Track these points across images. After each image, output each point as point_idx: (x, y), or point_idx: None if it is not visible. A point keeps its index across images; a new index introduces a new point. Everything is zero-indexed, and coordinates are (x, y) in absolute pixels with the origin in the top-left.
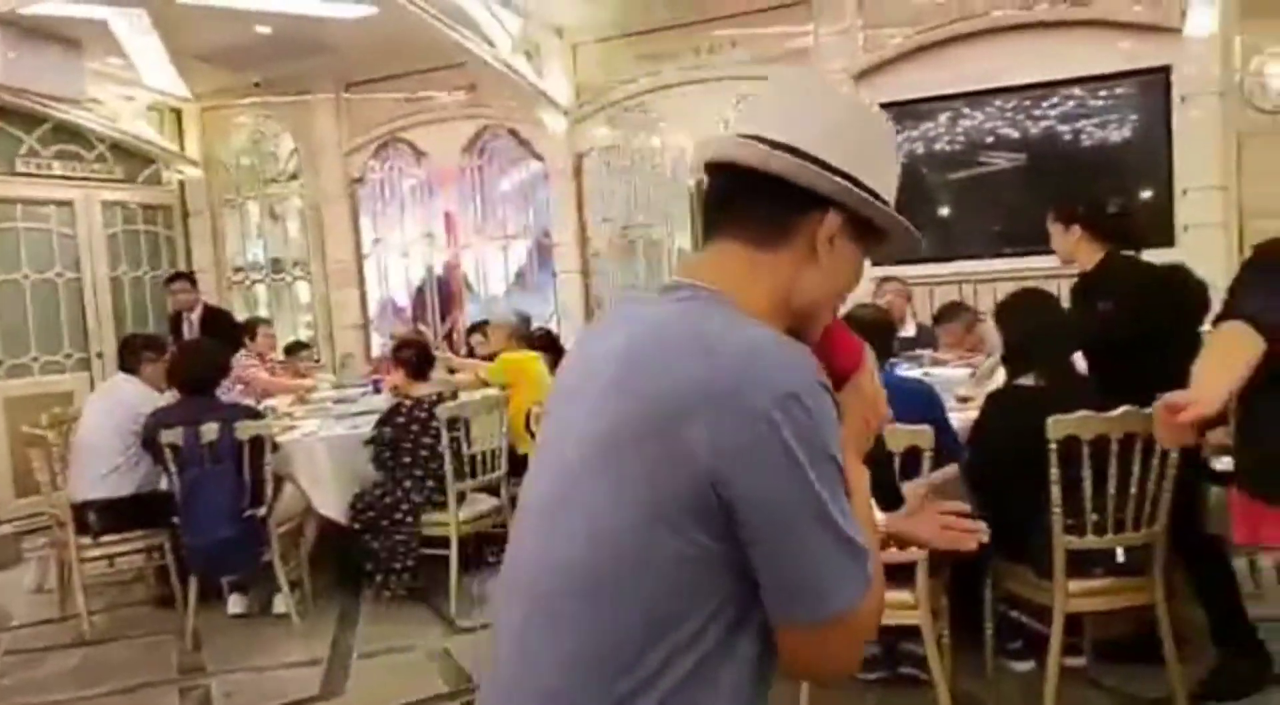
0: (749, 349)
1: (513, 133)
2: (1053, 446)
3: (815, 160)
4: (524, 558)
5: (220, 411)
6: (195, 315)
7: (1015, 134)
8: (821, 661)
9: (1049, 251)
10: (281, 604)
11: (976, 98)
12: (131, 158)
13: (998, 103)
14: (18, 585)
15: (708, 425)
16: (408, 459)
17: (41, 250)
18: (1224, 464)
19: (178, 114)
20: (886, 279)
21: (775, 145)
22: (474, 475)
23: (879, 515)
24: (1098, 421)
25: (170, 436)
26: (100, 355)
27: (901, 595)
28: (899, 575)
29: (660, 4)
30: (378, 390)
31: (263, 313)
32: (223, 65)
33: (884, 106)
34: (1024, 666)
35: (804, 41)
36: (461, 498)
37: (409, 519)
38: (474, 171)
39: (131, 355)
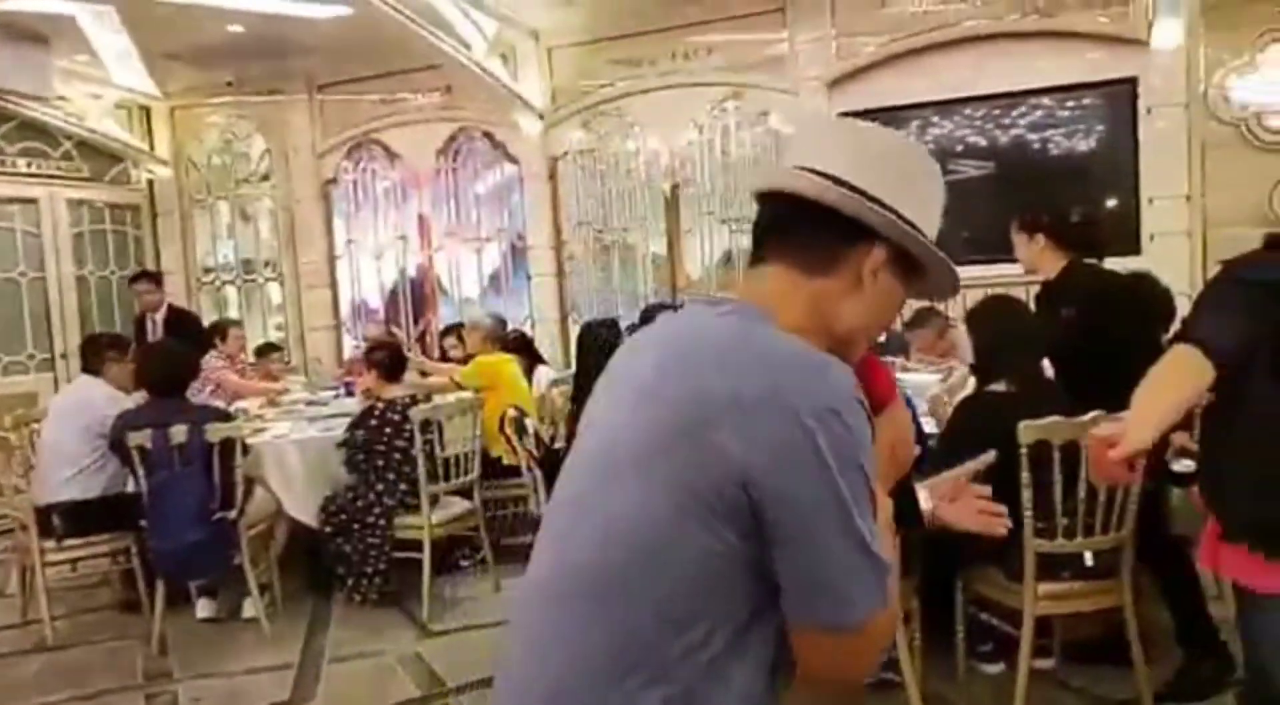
0: (790, 360)
1: (487, 135)
2: (1023, 451)
3: (866, 194)
4: (546, 555)
5: (190, 413)
6: (160, 316)
7: (984, 143)
8: (834, 668)
9: (1016, 259)
10: (251, 608)
11: (947, 106)
12: (99, 156)
13: (967, 112)
14: None
15: (744, 428)
16: (380, 462)
17: (5, 249)
18: (1183, 465)
19: (147, 112)
20: None
21: (830, 178)
22: (447, 478)
23: (924, 502)
24: (1068, 426)
25: (138, 438)
26: (65, 356)
27: None
28: None
29: (636, 9)
30: (349, 393)
31: (233, 314)
32: (194, 64)
33: (857, 114)
34: (994, 669)
35: (779, 49)
36: (434, 501)
37: (381, 522)
38: (448, 174)
39: (94, 356)
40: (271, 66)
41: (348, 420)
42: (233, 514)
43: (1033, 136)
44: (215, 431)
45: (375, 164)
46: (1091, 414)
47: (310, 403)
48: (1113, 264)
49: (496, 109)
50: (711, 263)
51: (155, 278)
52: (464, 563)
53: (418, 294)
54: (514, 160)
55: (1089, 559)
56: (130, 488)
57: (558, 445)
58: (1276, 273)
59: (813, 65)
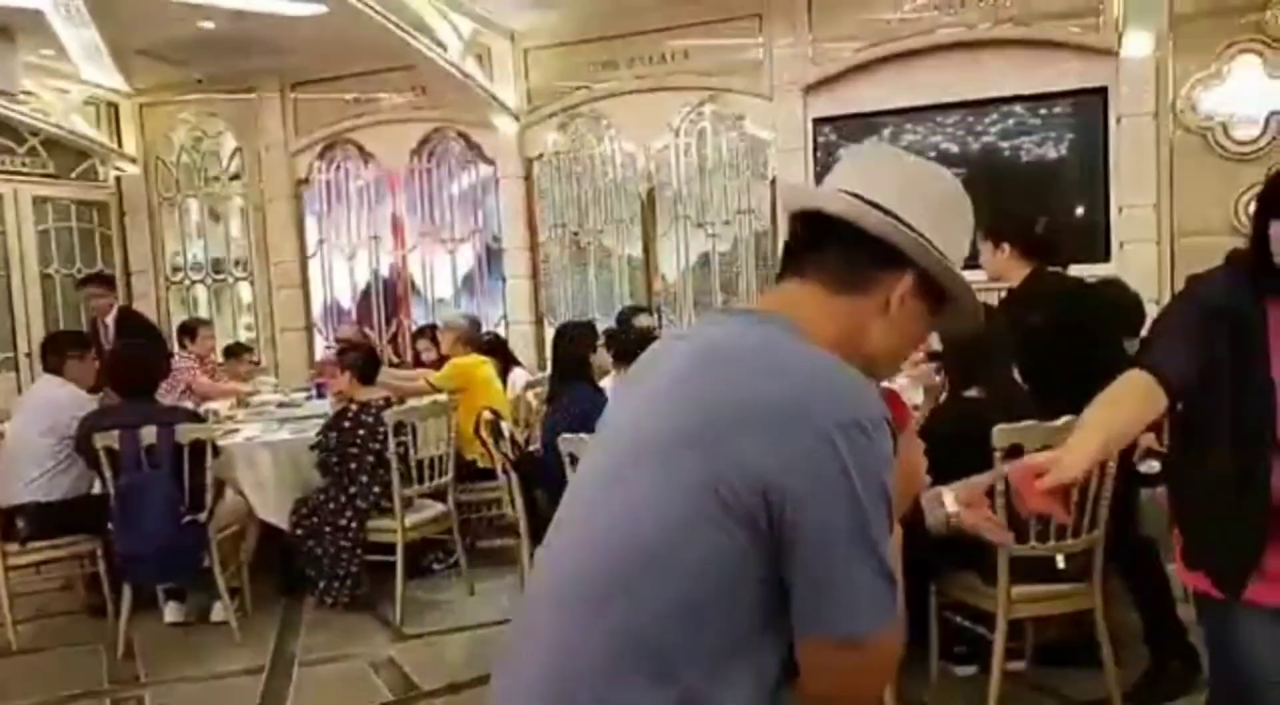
0: (820, 372)
1: (462, 136)
2: (998, 455)
3: (903, 221)
4: (557, 553)
5: (160, 414)
6: (111, 318)
7: (956, 149)
8: (839, 684)
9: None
10: (220, 612)
11: (921, 113)
12: (65, 153)
13: (940, 118)
14: None
15: (771, 436)
16: (354, 464)
17: None
18: (1149, 467)
19: (115, 109)
20: None
21: (870, 203)
22: (421, 481)
23: (950, 504)
24: (1042, 431)
25: (106, 439)
26: (29, 355)
27: None
28: None
29: (612, 12)
30: (321, 394)
31: (202, 314)
32: (164, 60)
33: (832, 120)
34: (967, 671)
35: (756, 54)
36: (408, 504)
37: (354, 525)
38: (422, 174)
39: (55, 354)
40: (243, 64)
41: (319, 422)
42: (202, 516)
43: (1004, 144)
44: (185, 433)
45: (348, 164)
46: (1063, 419)
47: (282, 404)
48: (1083, 271)
49: (472, 110)
50: (687, 266)
51: (106, 281)
52: (436, 566)
53: (390, 295)
54: (489, 161)
55: (1061, 562)
56: (96, 489)
57: (533, 447)
58: (1233, 298)
59: (789, 70)
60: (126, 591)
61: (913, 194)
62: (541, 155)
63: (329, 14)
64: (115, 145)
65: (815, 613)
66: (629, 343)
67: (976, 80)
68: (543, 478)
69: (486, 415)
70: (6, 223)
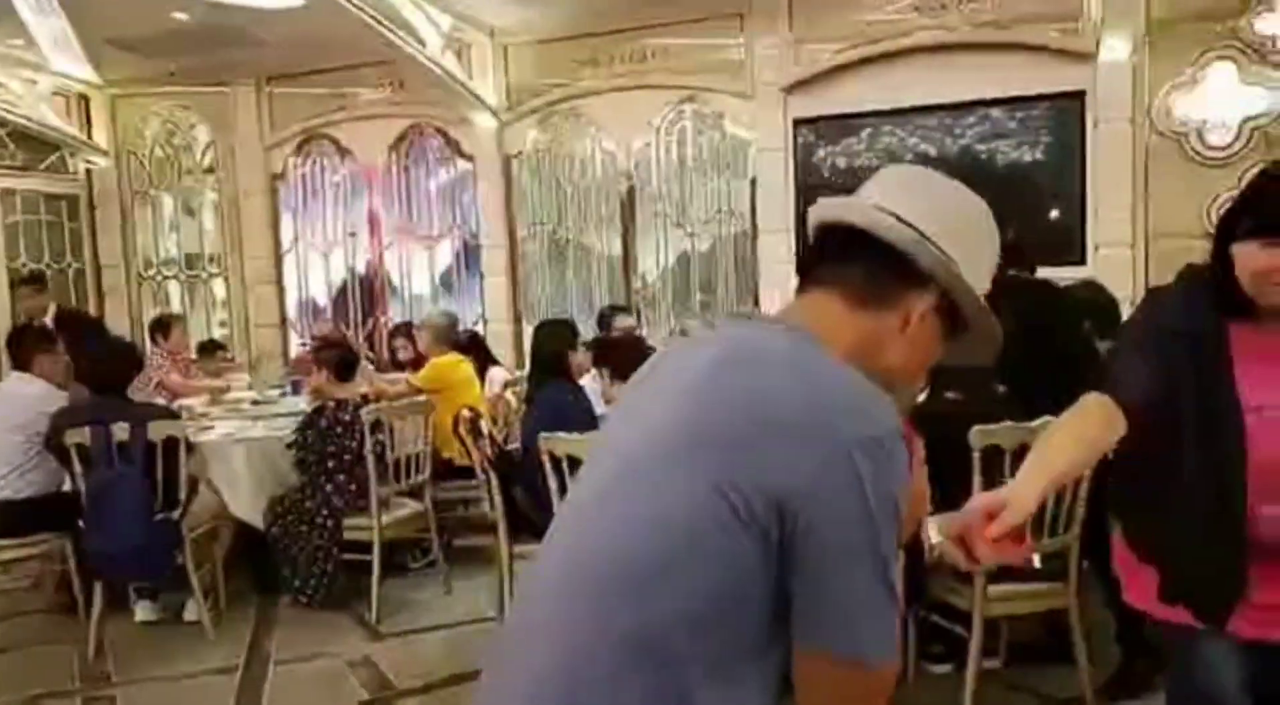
0: (844, 386)
1: (441, 132)
2: (976, 456)
3: (930, 240)
4: (567, 546)
5: (132, 411)
6: (48, 319)
7: (934, 152)
8: (831, 702)
9: None
10: (193, 610)
11: (900, 115)
12: (33, 144)
13: (918, 120)
14: None
15: (790, 447)
16: (330, 462)
17: None
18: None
19: (85, 100)
20: None
21: (898, 219)
22: (397, 479)
23: (934, 536)
24: (1020, 432)
25: (77, 436)
26: None
27: None
28: None
29: (593, 9)
30: (296, 391)
31: (175, 310)
32: (136, 52)
33: (812, 121)
34: (943, 669)
35: (737, 53)
36: (385, 502)
37: (330, 523)
38: (400, 170)
39: (22, 349)
40: (218, 57)
41: (294, 419)
42: (176, 514)
43: (982, 147)
44: (159, 429)
45: (325, 159)
46: (1041, 419)
47: (256, 401)
48: (1059, 273)
49: (450, 106)
50: (667, 266)
51: (38, 281)
52: (413, 565)
53: (367, 292)
54: (468, 158)
55: (1037, 561)
56: (67, 487)
57: (511, 446)
58: (1193, 318)
59: (769, 70)
60: (98, 590)
61: (942, 215)
62: (521, 152)
63: (306, 7)
64: (86, 137)
65: (816, 625)
66: (616, 351)
67: (955, 83)
68: (521, 476)
69: (466, 414)
70: None
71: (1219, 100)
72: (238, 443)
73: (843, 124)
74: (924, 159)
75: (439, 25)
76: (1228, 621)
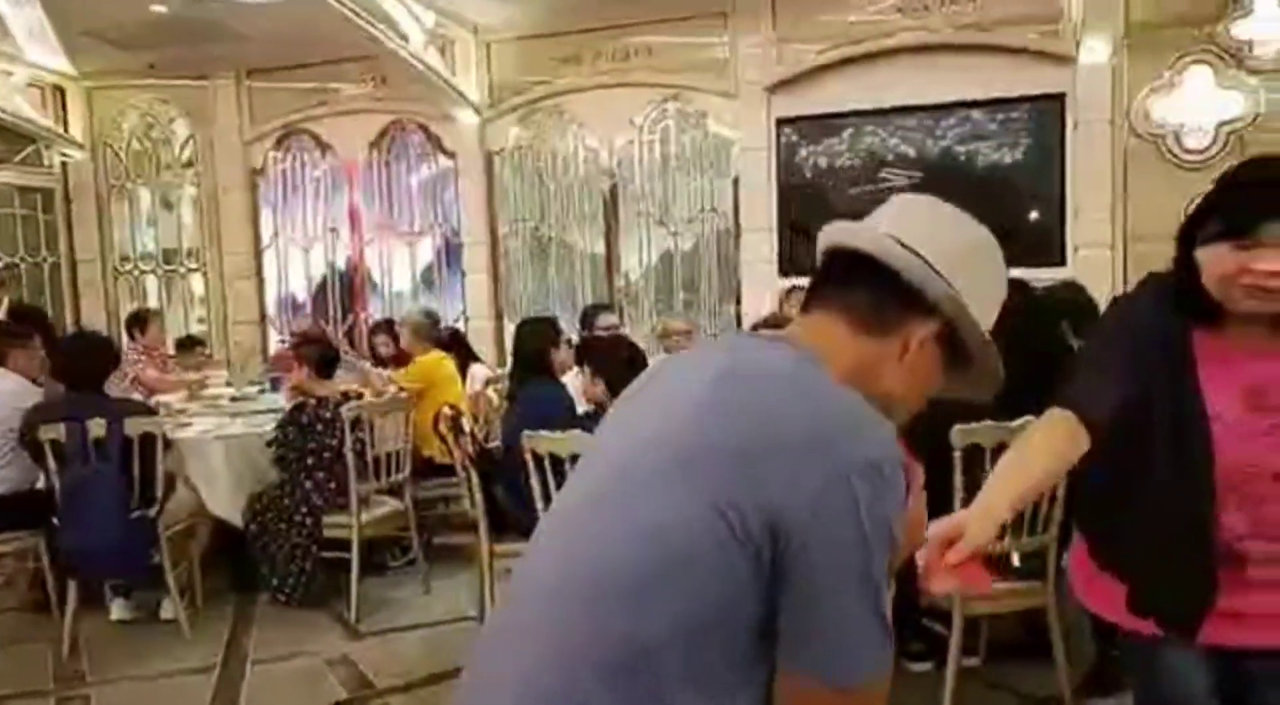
0: (846, 409)
1: (422, 128)
2: (957, 455)
3: (936, 271)
4: (559, 549)
5: (109, 407)
6: (0, 314)
7: (914, 153)
8: None
9: None
10: (170, 609)
11: (881, 116)
12: (7, 136)
13: (899, 121)
14: None
15: (788, 467)
16: (310, 460)
17: None
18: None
19: (61, 92)
20: (793, 289)
21: (905, 247)
22: (377, 477)
23: (919, 557)
24: (1001, 431)
25: (52, 432)
26: None
27: None
28: None
29: (577, 7)
30: (275, 388)
31: (153, 305)
32: (113, 44)
33: (794, 121)
34: (923, 667)
35: (720, 52)
36: (364, 500)
37: (308, 521)
38: (381, 166)
39: None
40: (197, 50)
41: (273, 416)
42: (152, 511)
43: (962, 148)
44: (135, 426)
45: (305, 154)
46: (1022, 419)
47: (235, 398)
48: (1039, 275)
49: (433, 102)
50: (649, 264)
51: None
52: (393, 563)
53: (347, 289)
54: (449, 154)
55: (1016, 560)
56: (41, 484)
57: (492, 444)
58: (1161, 324)
59: (753, 70)
60: (72, 588)
61: (950, 247)
62: (503, 149)
63: (286, 1)
64: (61, 130)
65: (802, 646)
66: (598, 350)
67: (936, 84)
68: (502, 474)
69: (447, 411)
70: None
71: (1196, 103)
72: (216, 440)
73: (825, 124)
74: (905, 160)
75: (422, 21)
76: (1198, 631)
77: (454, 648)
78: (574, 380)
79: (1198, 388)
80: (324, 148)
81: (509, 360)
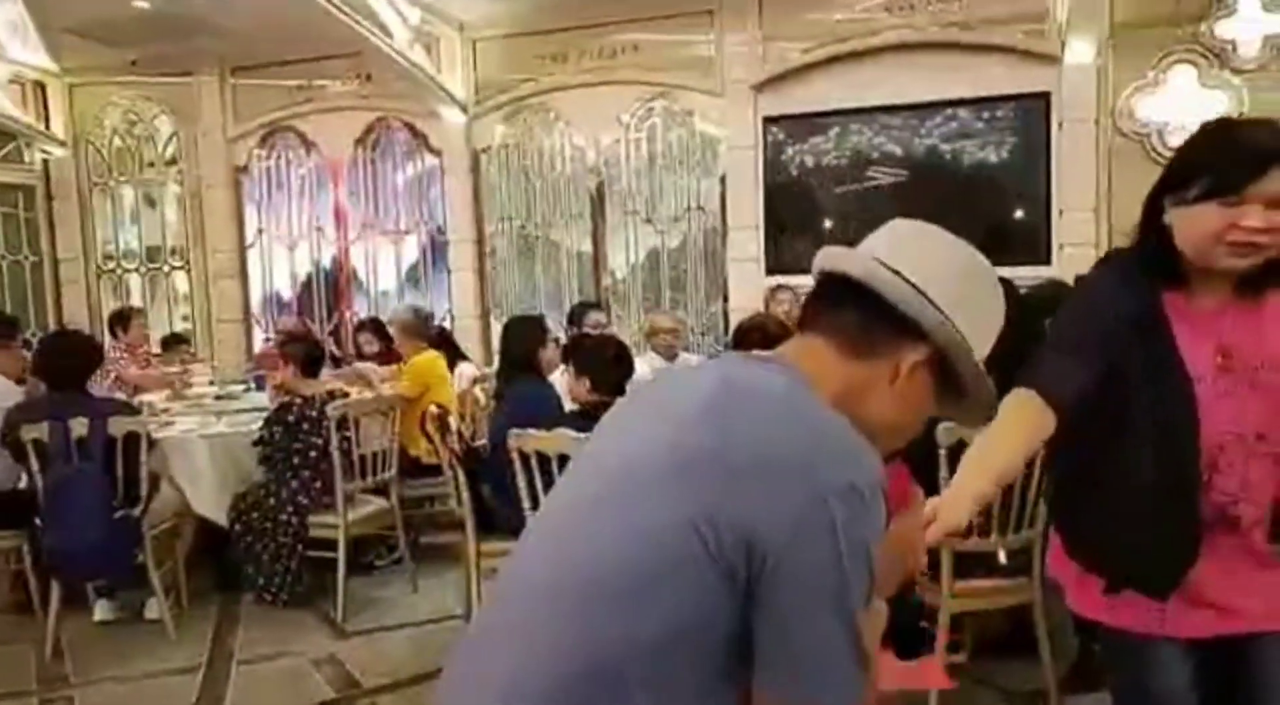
0: (828, 431)
1: (408, 126)
2: (943, 452)
3: (925, 295)
4: (547, 553)
5: (92, 406)
6: None
7: (900, 151)
8: None
9: None
10: (154, 609)
11: (867, 114)
12: None
13: (885, 119)
14: None
15: (768, 488)
16: (296, 459)
17: None
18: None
19: (42, 89)
20: (779, 288)
21: (894, 272)
22: (363, 476)
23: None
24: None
25: (35, 432)
26: None
27: None
28: None
29: (563, 4)
30: (260, 387)
31: (136, 304)
32: (96, 40)
33: (781, 119)
34: (908, 665)
35: (706, 50)
36: (350, 499)
37: (294, 520)
38: (366, 164)
39: None
40: (181, 46)
41: (257, 415)
42: (136, 511)
43: (947, 146)
44: (119, 425)
45: (290, 151)
46: None
47: (219, 397)
48: (1025, 273)
49: (418, 100)
50: (636, 262)
51: None
52: (379, 563)
53: (332, 287)
54: (435, 152)
55: (1002, 557)
56: (23, 484)
57: (479, 442)
58: (1131, 297)
59: (739, 68)
60: (55, 589)
61: (943, 274)
62: (489, 147)
63: None
64: (43, 127)
65: (772, 667)
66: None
67: (922, 82)
68: (489, 473)
69: (434, 410)
70: None
71: (1180, 103)
72: (200, 439)
73: (811, 122)
74: (891, 158)
75: (407, 18)
76: (1174, 589)
77: (441, 647)
78: (561, 379)
79: (1175, 349)
80: (309, 145)
81: (496, 359)
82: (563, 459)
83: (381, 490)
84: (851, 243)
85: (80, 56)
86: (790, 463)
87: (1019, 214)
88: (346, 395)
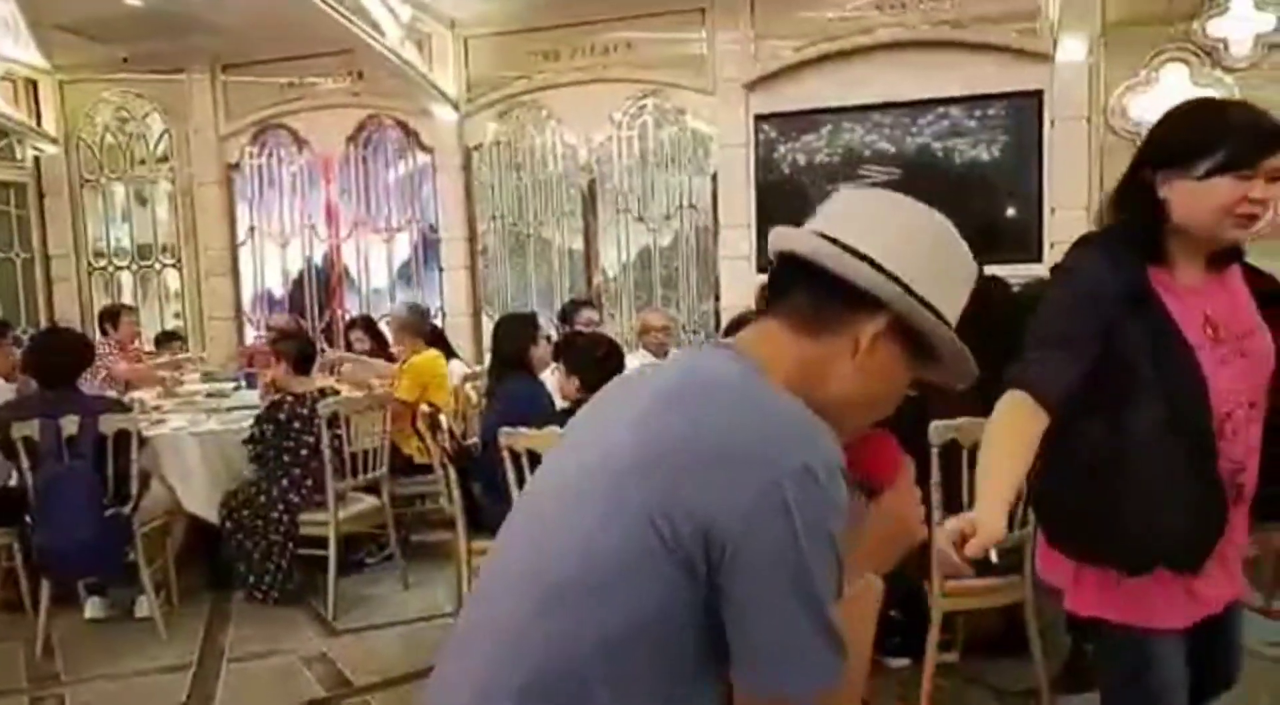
0: (779, 415)
1: (400, 123)
2: (934, 451)
3: (874, 264)
4: (519, 553)
5: (82, 404)
6: None
7: (892, 149)
8: None
9: None
10: (145, 607)
11: (859, 112)
12: None
13: (877, 118)
14: None
15: (719, 477)
16: (287, 457)
17: None
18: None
19: (33, 86)
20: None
21: (842, 245)
22: (354, 474)
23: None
24: (978, 428)
25: (25, 430)
26: None
27: None
28: None
29: (555, 2)
30: (251, 384)
31: (127, 301)
32: (87, 37)
33: (772, 117)
34: (900, 662)
35: (698, 48)
36: (341, 497)
37: (285, 518)
38: (358, 161)
39: None
40: (172, 43)
41: (248, 412)
42: (127, 509)
43: (939, 144)
44: (109, 423)
45: (282, 149)
46: None
47: (210, 394)
48: (1017, 271)
49: (410, 97)
50: (628, 260)
51: None
52: (369, 560)
53: (324, 284)
54: (427, 150)
55: (994, 556)
56: (14, 482)
57: (470, 440)
58: (1122, 278)
59: (731, 66)
60: (45, 587)
61: (891, 237)
62: (480, 145)
63: None
64: (34, 124)
65: (740, 659)
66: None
67: (914, 81)
68: (480, 471)
69: (425, 408)
70: None
71: (1172, 101)
72: (191, 436)
73: (803, 120)
74: (882, 157)
75: (399, 15)
76: (1205, 562)
77: (432, 645)
78: (552, 377)
79: (1172, 320)
80: (300, 143)
81: (487, 357)
82: None
83: (373, 488)
84: None
85: (72, 53)
86: (741, 450)
87: (1011, 212)
88: (338, 393)
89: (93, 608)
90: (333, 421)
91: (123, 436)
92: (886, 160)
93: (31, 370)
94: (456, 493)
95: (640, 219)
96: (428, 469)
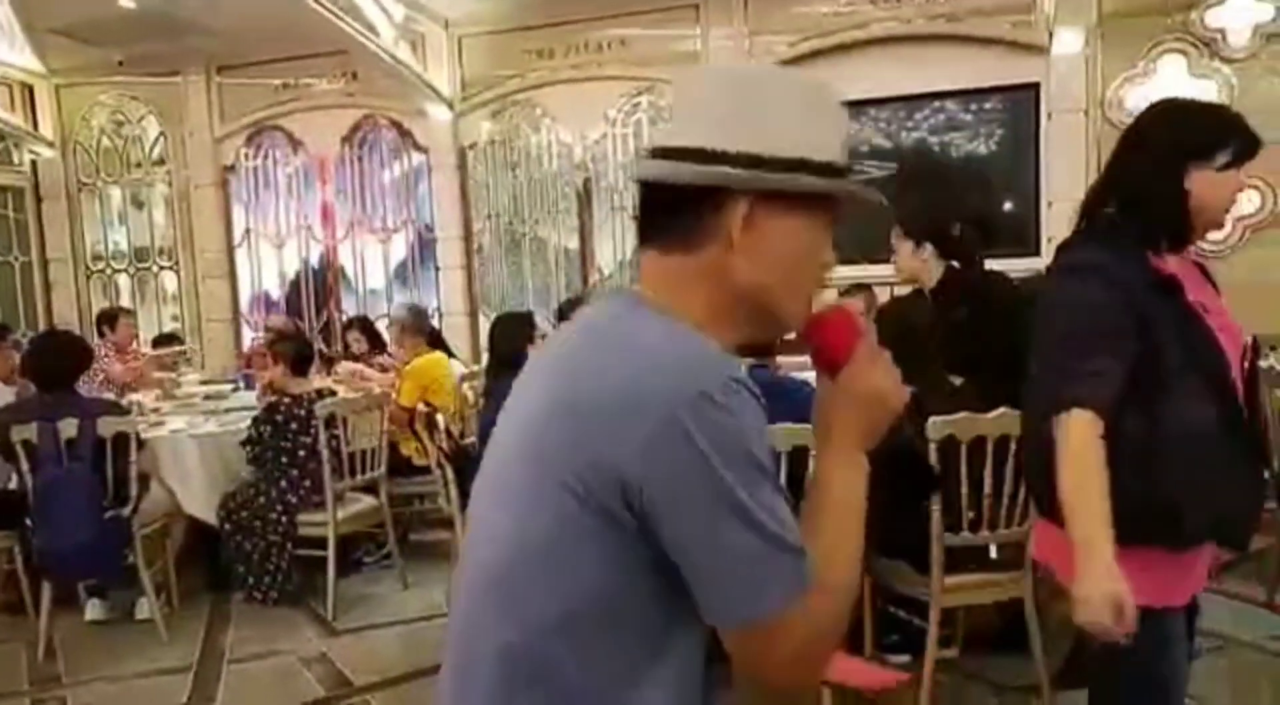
0: (657, 349)
1: (395, 124)
2: (933, 447)
3: (703, 154)
4: (471, 546)
5: (81, 406)
6: None
7: (888, 144)
8: (771, 666)
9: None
10: (145, 609)
11: (855, 108)
12: None
13: (873, 112)
14: None
15: (612, 430)
16: (285, 458)
17: None
18: None
19: (29, 90)
20: None
21: (666, 151)
22: (353, 474)
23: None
24: (976, 423)
25: (25, 433)
26: None
27: None
28: None
29: (548, 0)
30: (249, 385)
31: (125, 304)
32: (82, 40)
33: None
34: (900, 659)
35: (692, 44)
36: (340, 497)
37: (284, 519)
38: (353, 162)
39: None
40: (167, 46)
41: (246, 414)
42: (126, 511)
43: (936, 139)
44: (108, 425)
45: (277, 150)
46: (997, 411)
47: (208, 396)
48: (1014, 264)
49: (404, 97)
50: (624, 257)
51: None
52: (368, 560)
53: (320, 285)
54: (422, 149)
55: (994, 552)
56: (14, 484)
57: (467, 440)
58: (1139, 274)
59: (725, 62)
60: (46, 589)
61: (720, 112)
62: (475, 144)
63: None
64: (30, 128)
65: (715, 603)
66: None
67: (910, 75)
68: (477, 471)
69: (423, 408)
70: None
71: (1169, 92)
72: (190, 438)
73: None
74: (879, 152)
75: (392, 16)
76: (1250, 538)
77: (431, 644)
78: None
79: (1187, 304)
80: (296, 144)
81: (484, 356)
82: None
83: (371, 488)
84: (840, 236)
85: (67, 57)
86: (626, 395)
87: (1008, 205)
88: (334, 393)
89: (93, 610)
90: (330, 422)
91: (121, 439)
92: (883, 155)
93: (30, 373)
94: (454, 492)
95: (635, 217)
96: (426, 469)
